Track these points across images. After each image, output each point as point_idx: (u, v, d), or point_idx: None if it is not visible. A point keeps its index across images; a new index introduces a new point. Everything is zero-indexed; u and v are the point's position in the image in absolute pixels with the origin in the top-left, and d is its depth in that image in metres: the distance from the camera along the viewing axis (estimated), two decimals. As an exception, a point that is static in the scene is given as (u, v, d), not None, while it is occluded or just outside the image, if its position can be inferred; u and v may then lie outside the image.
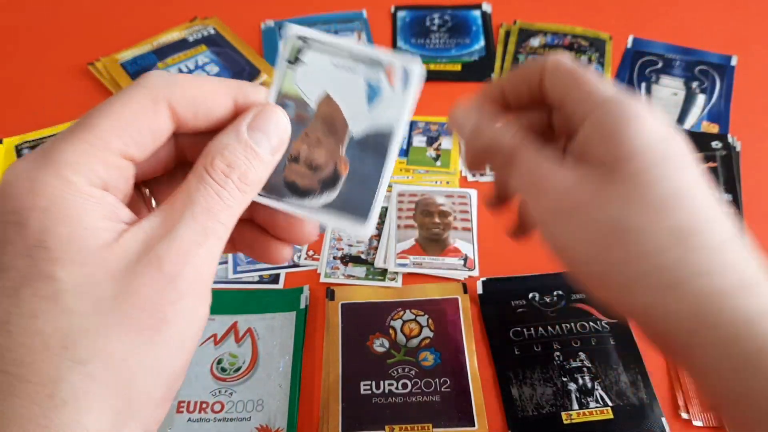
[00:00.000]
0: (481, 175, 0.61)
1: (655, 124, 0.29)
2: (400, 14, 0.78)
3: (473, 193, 0.59)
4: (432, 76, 0.70)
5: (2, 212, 0.22)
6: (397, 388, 0.47)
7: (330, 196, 0.28)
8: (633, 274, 0.28)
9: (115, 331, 0.22)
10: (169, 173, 0.30)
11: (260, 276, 0.54)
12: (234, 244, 0.31)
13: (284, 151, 0.27)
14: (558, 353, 0.48)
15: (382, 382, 0.47)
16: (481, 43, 0.74)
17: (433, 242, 0.55)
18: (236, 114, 0.27)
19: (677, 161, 0.29)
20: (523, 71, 0.35)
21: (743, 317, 0.27)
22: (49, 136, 0.64)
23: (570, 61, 0.33)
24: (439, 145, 0.64)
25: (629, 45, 0.73)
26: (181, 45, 0.73)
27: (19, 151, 0.63)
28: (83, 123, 0.24)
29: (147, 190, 0.30)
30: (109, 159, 0.24)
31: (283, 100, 0.28)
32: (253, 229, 0.31)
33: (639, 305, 0.29)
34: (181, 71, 0.70)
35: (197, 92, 0.26)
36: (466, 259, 0.54)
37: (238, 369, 0.48)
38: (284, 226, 0.30)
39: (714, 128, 0.65)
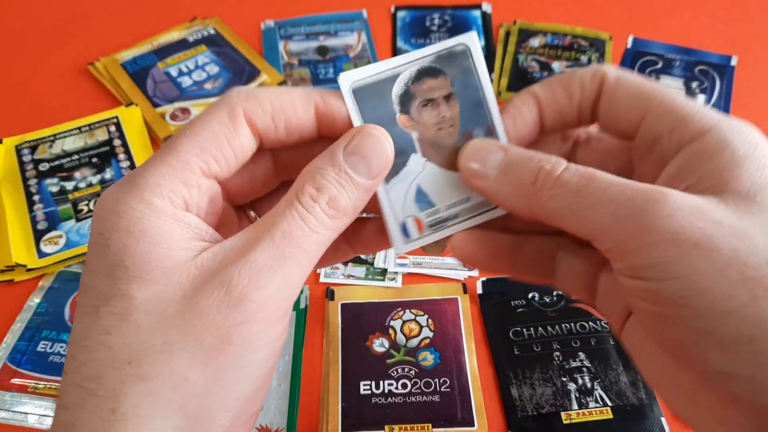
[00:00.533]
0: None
1: None
2: (400, 14, 0.78)
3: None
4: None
5: (92, 234, 0.24)
6: (396, 388, 0.47)
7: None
8: None
9: (178, 348, 0.22)
10: (274, 194, 0.30)
11: (260, 276, 0.54)
12: (357, 248, 0.30)
13: (386, 175, 0.26)
14: (558, 353, 0.48)
15: (381, 382, 0.47)
16: (481, 42, 0.74)
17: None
18: (320, 124, 0.26)
19: None
20: (569, 82, 0.27)
21: None
22: (49, 136, 0.64)
23: (634, 76, 0.27)
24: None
25: (629, 45, 0.73)
26: (181, 45, 0.73)
27: (19, 151, 0.63)
28: (167, 146, 0.24)
29: (252, 213, 0.30)
30: (189, 179, 0.24)
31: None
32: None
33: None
34: (181, 71, 0.71)
35: (275, 102, 0.25)
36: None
37: (238, 369, 0.48)
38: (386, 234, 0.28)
39: (714, 128, 0.65)
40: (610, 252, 0.23)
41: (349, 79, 0.26)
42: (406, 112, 0.27)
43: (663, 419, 0.44)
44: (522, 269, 0.29)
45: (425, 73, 0.27)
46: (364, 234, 0.30)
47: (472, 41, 0.27)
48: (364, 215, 0.29)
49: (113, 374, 0.21)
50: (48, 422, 0.46)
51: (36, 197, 0.59)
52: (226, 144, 0.25)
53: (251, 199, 0.30)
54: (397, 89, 0.27)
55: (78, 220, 0.57)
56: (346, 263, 0.55)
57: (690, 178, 0.23)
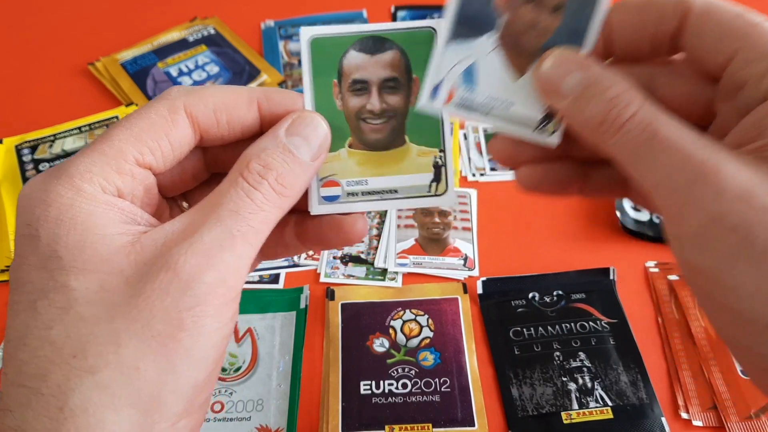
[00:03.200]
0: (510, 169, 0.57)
1: None
2: (400, 14, 0.78)
3: (473, 193, 0.59)
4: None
5: (18, 226, 0.22)
6: (397, 388, 0.47)
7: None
8: None
9: (125, 337, 0.21)
10: (205, 185, 0.30)
11: (260, 276, 0.54)
12: (305, 242, 0.30)
13: (325, 157, 0.27)
14: (558, 353, 0.48)
15: (382, 382, 0.47)
16: (481, 43, 0.74)
17: (433, 242, 0.55)
18: (263, 121, 0.27)
19: None
20: (648, 7, 0.25)
21: None
22: (50, 136, 0.64)
23: (728, 6, 0.23)
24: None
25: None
26: (181, 45, 0.73)
27: (19, 151, 0.63)
28: (101, 136, 0.24)
29: (185, 204, 0.29)
30: (123, 167, 0.23)
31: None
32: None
33: None
34: (181, 71, 0.71)
35: (217, 99, 0.25)
36: (466, 258, 0.54)
37: (238, 369, 0.48)
38: (334, 229, 0.28)
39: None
40: (660, 207, 0.23)
41: (310, 32, 0.27)
42: (339, 84, 0.27)
43: (663, 419, 0.44)
44: (591, 193, 0.28)
45: (373, 44, 0.27)
46: (312, 227, 0.29)
47: (440, 26, 0.26)
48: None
49: (58, 370, 0.20)
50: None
51: (36, 197, 0.59)
52: (163, 136, 0.24)
53: (181, 191, 0.29)
54: None
55: (78, 220, 0.57)
56: (346, 263, 0.55)
57: (760, 139, 0.21)
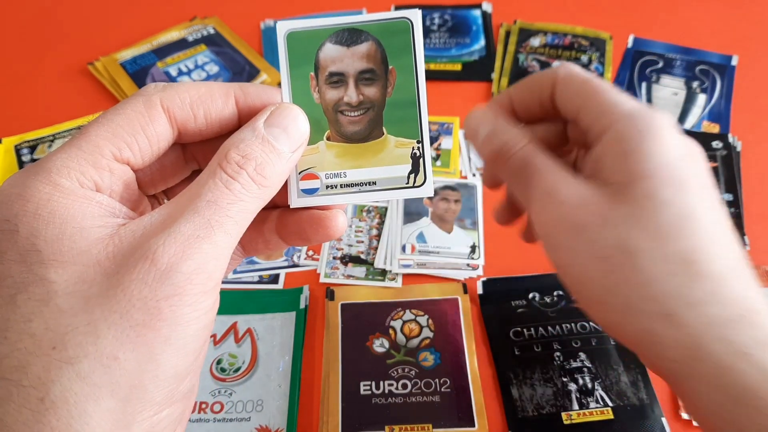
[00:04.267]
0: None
1: (674, 142, 0.28)
2: (400, 14, 0.78)
3: (478, 184, 0.59)
4: (432, 76, 0.70)
5: None
6: (397, 389, 0.46)
7: (377, 134, 0.27)
8: (631, 299, 0.28)
9: (104, 327, 0.21)
10: (186, 182, 0.30)
11: (260, 276, 0.54)
12: (285, 238, 0.30)
13: (304, 149, 0.27)
14: (558, 353, 0.48)
15: (382, 383, 0.47)
16: (482, 42, 0.74)
17: (444, 221, 0.56)
18: (241, 115, 0.27)
19: (691, 183, 0.28)
20: (532, 82, 0.33)
21: (739, 349, 0.26)
22: (49, 136, 0.64)
23: (583, 72, 0.31)
24: (439, 144, 0.63)
25: (630, 45, 0.73)
26: (181, 44, 0.73)
27: (18, 151, 0.63)
28: (78, 133, 0.24)
29: (166, 200, 0.30)
30: (100, 162, 0.23)
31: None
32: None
33: (634, 332, 0.28)
34: (180, 71, 0.70)
35: (193, 93, 0.26)
36: (474, 247, 0.54)
37: (238, 369, 0.48)
38: (314, 225, 0.29)
39: (714, 128, 0.65)
40: (529, 220, 0.32)
41: (286, 26, 0.27)
42: (316, 77, 0.27)
43: (664, 419, 0.44)
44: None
45: (349, 36, 0.27)
46: (292, 223, 0.29)
47: (416, 17, 0.27)
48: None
49: (38, 362, 0.20)
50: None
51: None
52: (140, 131, 0.24)
53: (162, 188, 0.29)
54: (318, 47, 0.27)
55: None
56: (345, 263, 0.55)
57: (595, 165, 0.30)
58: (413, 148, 0.28)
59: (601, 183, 0.29)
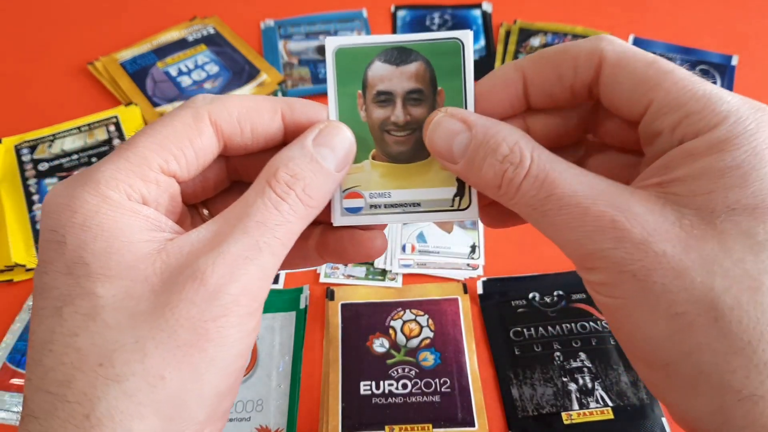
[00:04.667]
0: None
1: None
2: (400, 14, 0.78)
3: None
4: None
5: (43, 231, 0.22)
6: (397, 389, 0.46)
7: (421, 156, 0.27)
8: (706, 370, 0.21)
9: (151, 346, 0.21)
10: (226, 193, 0.29)
11: (260, 276, 0.54)
12: (324, 255, 0.29)
13: (349, 168, 0.27)
14: (558, 353, 0.48)
15: (382, 383, 0.47)
16: (482, 42, 0.74)
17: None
18: (287, 131, 0.26)
19: None
20: (560, 58, 0.25)
21: None
22: (49, 136, 0.64)
23: (638, 50, 0.24)
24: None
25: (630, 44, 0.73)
26: (181, 44, 0.73)
27: (18, 150, 0.63)
28: (126, 143, 0.24)
29: (206, 211, 0.29)
30: (148, 175, 0.23)
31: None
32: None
33: (702, 412, 0.21)
34: (180, 71, 0.70)
35: (241, 108, 0.25)
36: (474, 247, 0.54)
37: (238, 369, 0.48)
38: (355, 244, 0.28)
39: (714, 128, 0.65)
40: (569, 256, 0.24)
41: (335, 42, 0.27)
42: (363, 95, 0.27)
43: (664, 419, 0.44)
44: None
45: (398, 55, 0.26)
46: (333, 241, 0.29)
47: (467, 39, 0.26)
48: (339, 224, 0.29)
49: (84, 378, 0.20)
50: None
51: (35, 197, 0.59)
52: (188, 144, 0.24)
53: (202, 199, 0.29)
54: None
55: (77, 220, 0.57)
56: (346, 264, 0.55)
57: (667, 176, 0.22)
58: None
59: (678, 207, 0.21)
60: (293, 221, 0.24)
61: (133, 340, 0.21)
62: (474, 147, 0.24)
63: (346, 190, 0.27)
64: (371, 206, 0.27)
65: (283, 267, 0.29)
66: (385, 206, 0.27)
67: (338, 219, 0.27)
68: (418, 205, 0.27)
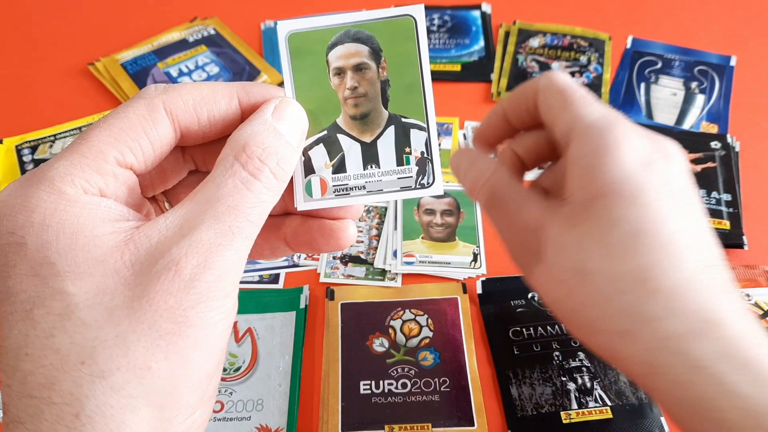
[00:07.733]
0: None
1: (632, 153, 0.27)
2: (400, 14, 0.78)
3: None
4: (431, 77, 0.70)
5: (1, 235, 0.21)
6: (396, 388, 0.47)
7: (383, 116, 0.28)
8: (591, 318, 0.28)
9: (134, 339, 0.20)
10: (184, 183, 0.29)
11: (260, 276, 0.54)
12: (294, 246, 0.30)
13: (303, 144, 0.27)
14: (557, 353, 0.48)
15: (381, 382, 0.47)
16: (481, 43, 0.74)
17: (438, 241, 0.56)
18: (244, 116, 0.26)
19: (649, 193, 0.27)
20: (520, 92, 0.33)
21: (695, 363, 0.26)
22: (50, 136, 0.64)
23: (564, 81, 0.31)
24: (439, 144, 0.64)
25: (628, 45, 0.73)
26: (181, 45, 0.74)
27: (19, 151, 0.63)
28: (79, 137, 0.23)
29: (166, 203, 0.29)
30: (104, 167, 0.23)
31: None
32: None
33: (598, 348, 0.30)
34: (181, 72, 0.71)
35: (196, 95, 0.25)
36: (475, 256, 0.54)
37: (238, 369, 0.48)
38: (325, 235, 0.29)
39: (713, 128, 0.65)
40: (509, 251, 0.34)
41: (286, 27, 0.28)
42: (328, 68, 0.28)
43: (662, 419, 0.44)
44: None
45: (346, 37, 0.28)
46: (303, 232, 0.29)
47: (419, 13, 0.27)
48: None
49: (67, 378, 0.20)
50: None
51: (36, 197, 0.59)
52: (143, 135, 0.24)
53: (161, 190, 0.29)
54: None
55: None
56: (345, 263, 0.55)
57: (554, 184, 0.31)
58: (422, 153, 0.28)
59: (561, 203, 0.29)
60: (266, 200, 0.24)
61: (113, 335, 0.20)
62: (467, 166, 0.34)
63: (309, 174, 0.27)
64: (335, 189, 0.28)
65: (250, 257, 0.29)
66: (349, 188, 0.28)
67: (301, 204, 0.27)
68: (382, 185, 0.28)
